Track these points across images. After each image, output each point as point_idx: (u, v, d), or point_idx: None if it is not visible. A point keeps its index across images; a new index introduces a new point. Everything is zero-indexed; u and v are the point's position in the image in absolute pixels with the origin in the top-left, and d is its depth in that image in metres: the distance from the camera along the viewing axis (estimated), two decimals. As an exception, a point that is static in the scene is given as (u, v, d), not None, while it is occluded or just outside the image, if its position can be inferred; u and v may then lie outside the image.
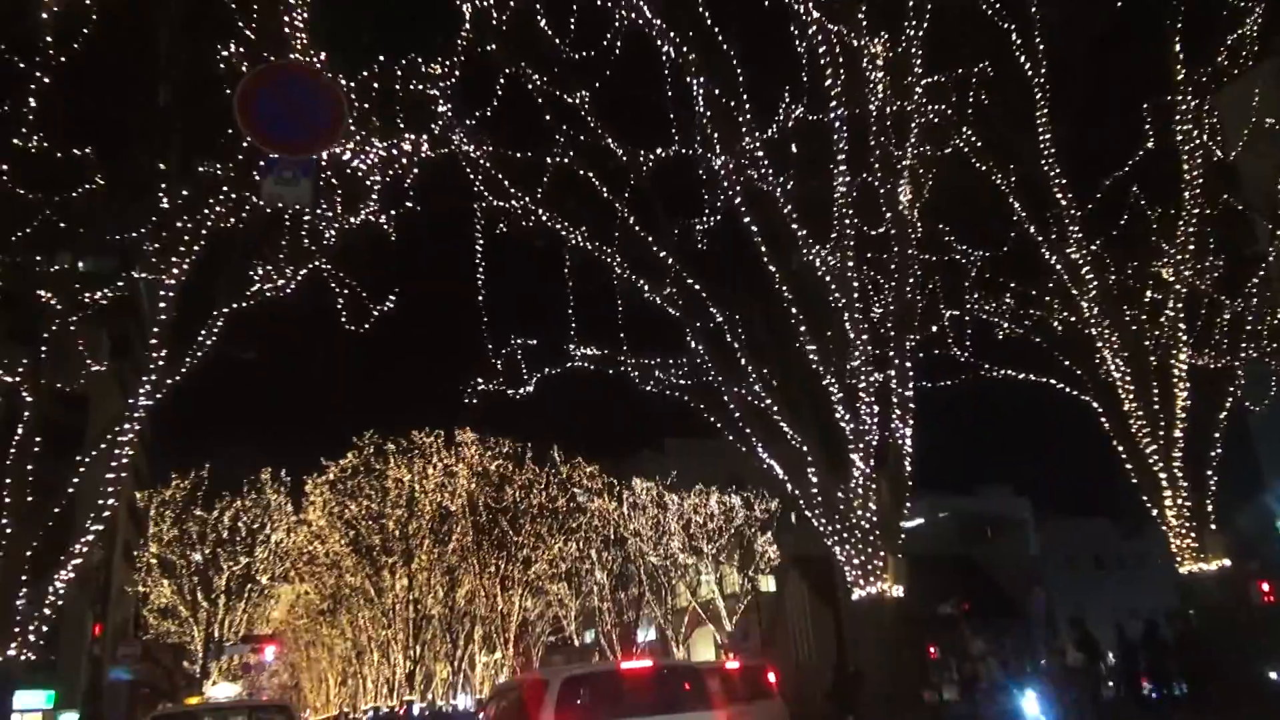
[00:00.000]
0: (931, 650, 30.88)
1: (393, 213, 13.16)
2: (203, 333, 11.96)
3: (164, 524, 40.63)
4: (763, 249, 12.53)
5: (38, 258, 12.15)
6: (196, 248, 11.20)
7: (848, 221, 12.31)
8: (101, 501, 10.63)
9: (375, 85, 13.38)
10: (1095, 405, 15.01)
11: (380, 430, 44.73)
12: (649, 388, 16.36)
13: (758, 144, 12.53)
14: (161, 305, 10.92)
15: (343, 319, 15.33)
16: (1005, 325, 16.02)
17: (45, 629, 10.23)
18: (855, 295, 12.25)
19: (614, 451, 53.56)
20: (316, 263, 14.29)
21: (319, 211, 14.41)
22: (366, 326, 15.70)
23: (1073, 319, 14.85)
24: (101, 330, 24.89)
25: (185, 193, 11.14)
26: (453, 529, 44.37)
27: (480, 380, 15.16)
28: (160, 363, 10.92)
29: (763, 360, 13.17)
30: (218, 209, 11.29)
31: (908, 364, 12.57)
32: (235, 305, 12.76)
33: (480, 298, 16.26)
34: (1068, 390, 15.60)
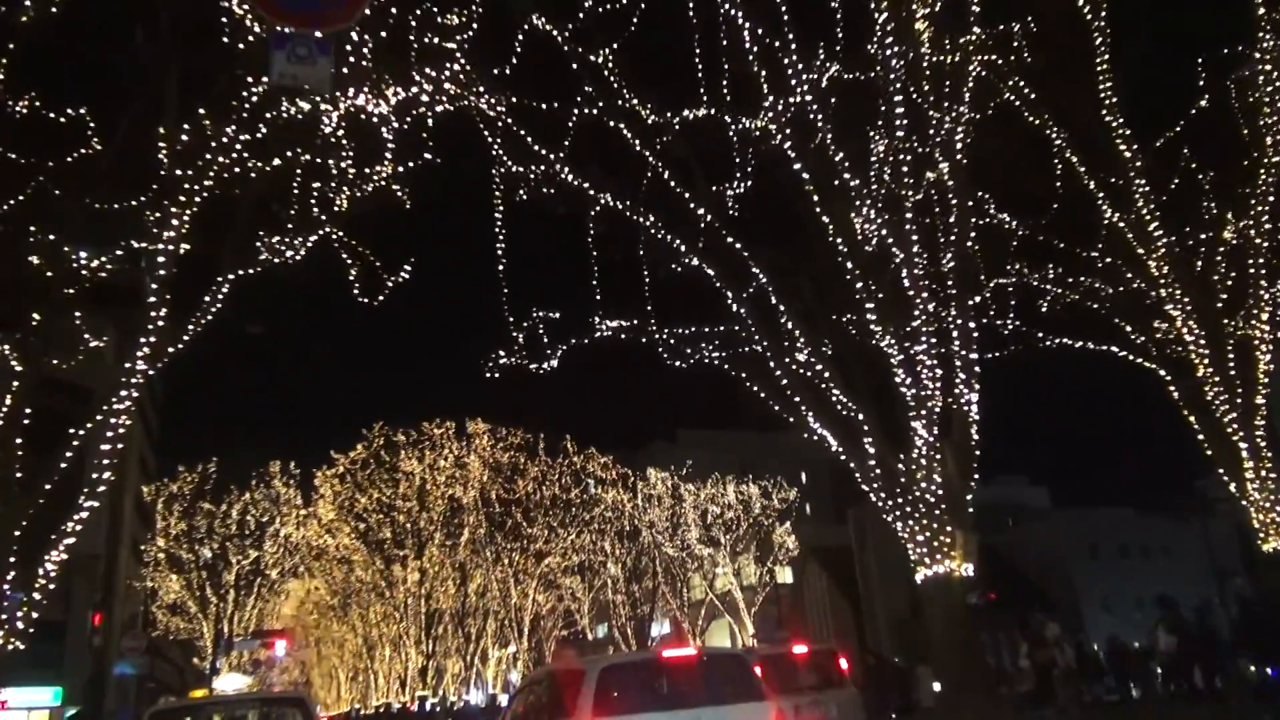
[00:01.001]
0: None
1: (410, 165, 12.21)
2: (206, 298, 11.07)
3: (171, 518, 39.89)
4: (815, 200, 11.49)
5: (32, 229, 11.30)
6: (197, 200, 10.26)
7: (905, 170, 11.31)
8: (97, 475, 9.72)
9: (389, 36, 12.46)
10: (1162, 373, 14.01)
11: (390, 421, 43.96)
12: (678, 363, 15.42)
13: (808, 92, 11.51)
14: (160, 260, 9.98)
15: (355, 290, 14.46)
16: (1057, 291, 15.00)
17: (35, 615, 9.37)
18: (914, 251, 11.25)
19: (626, 443, 52.72)
20: (326, 229, 13.39)
21: (330, 170, 13.54)
22: (380, 299, 14.83)
23: (1137, 281, 13.83)
24: (107, 323, 24.00)
25: (185, 137, 10.21)
26: (464, 521, 43.57)
27: (501, 353, 14.25)
28: (160, 322, 9.99)
29: (811, 324, 12.19)
30: (220, 160, 10.36)
31: (970, 324, 11.59)
32: (241, 272, 11.88)
33: (500, 268, 15.34)
34: (1130, 358, 14.59)
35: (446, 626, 46.83)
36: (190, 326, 10.81)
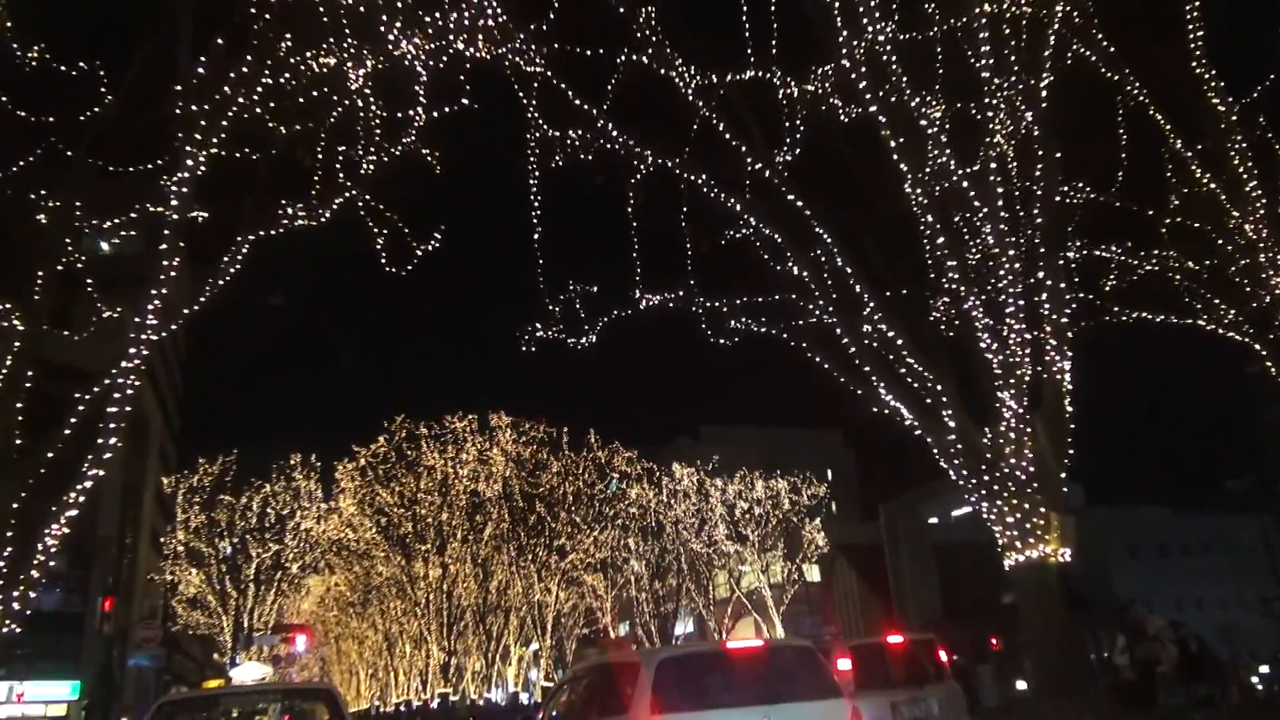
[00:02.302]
0: (994, 641, 28.54)
1: (442, 115, 11.32)
2: (225, 259, 10.23)
3: (191, 510, 39.41)
4: (894, 147, 10.43)
5: (42, 192, 10.52)
6: (215, 140, 9.40)
7: (992, 114, 10.27)
8: (102, 441, 8.86)
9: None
10: (1257, 347, 12.88)
11: (411, 414, 43.29)
12: (722, 340, 14.47)
13: (881, 32, 10.47)
14: (174, 204, 9.11)
15: (382, 259, 13.61)
16: (1129, 263, 13.88)
17: (34, 595, 8.56)
18: (999, 205, 10.21)
19: (650, 440, 51.89)
20: (352, 191, 12.53)
21: (356, 129, 12.70)
22: (408, 268, 13.97)
23: (1229, 249, 12.69)
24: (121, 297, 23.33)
25: (201, 70, 9.35)
26: (487, 516, 42.82)
27: (537, 325, 13.35)
28: (173, 273, 9.13)
29: (881, 289, 11.18)
30: (239, 100, 9.50)
31: (1061, 284, 10.53)
32: (262, 233, 11.04)
33: (535, 237, 14.43)
34: (1218, 331, 13.45)
35: (468, 623, 46.13)
36: (207, 288, 9.96)
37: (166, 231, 9.06)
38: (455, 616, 44.68)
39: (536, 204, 14.52)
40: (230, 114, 9.48)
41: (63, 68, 10.38)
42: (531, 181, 14.64)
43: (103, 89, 10.31)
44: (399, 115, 12.93)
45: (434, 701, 45.40)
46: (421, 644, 48.08)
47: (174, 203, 9.06)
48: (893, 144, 10.33)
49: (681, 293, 13.33)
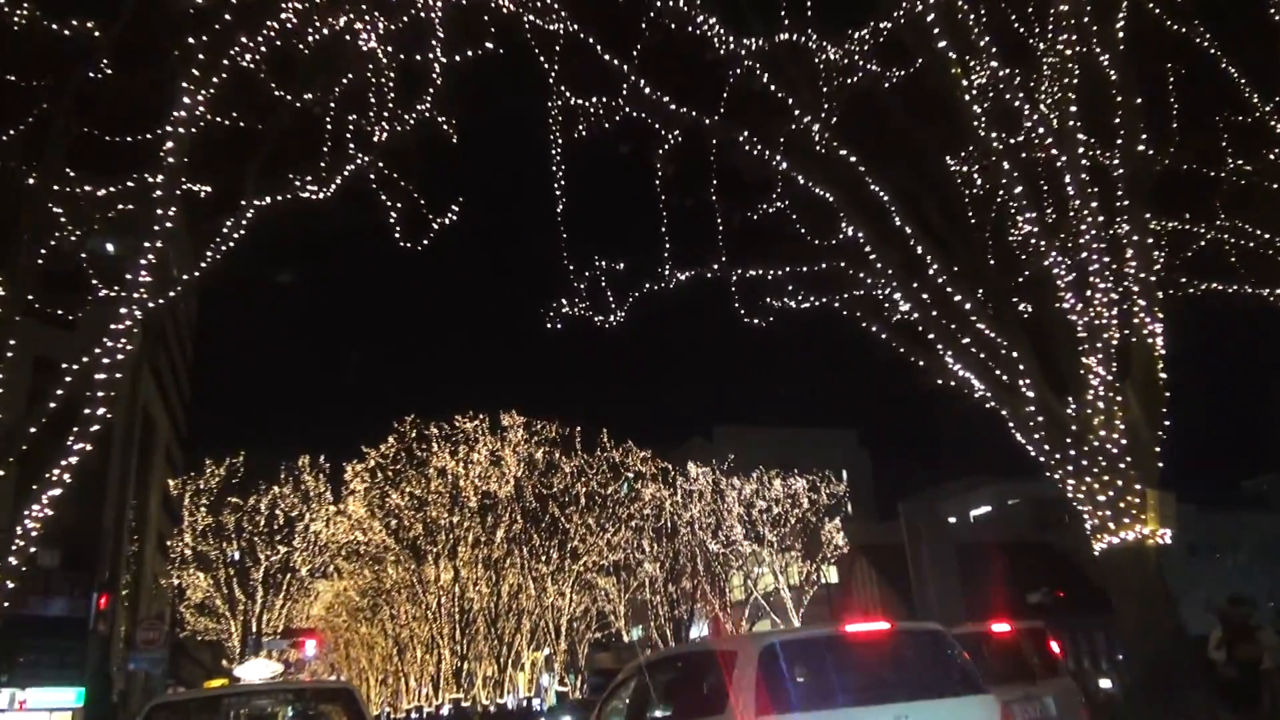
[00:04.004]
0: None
1: (457, 75, 10.49)
2: (228, 224, 9.42)
3: (199, 514, 38.73)
4: (964, 85, 9.52)
5: (34, 164, 9.76)
6: (214, 82, 8.57)
7: (1069, 53, 9.38)
8: (90, 411, 8.01)
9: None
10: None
11: (421, 412, 42.59)
12: (756, 320, 13.63)
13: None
14: (169, 146, 8.28)
15: (396, 234, 12.80)
16: (1199, 232, 12.95)
17: (25, 570, 7.74)
18: (1079, 151, 9.31)
19: (662, 441, 50.96)
20: (363, 159, 11.74)
21: (368, 96, 11.90)
22: (423, 244, 13.17)
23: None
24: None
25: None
26: (499, 518, 42.03)
27: (564, 301, 12.53)
28: (169, 224, 8.30)
29: (946, 251, 10.28)
30: (241, 38, 8.70)
31: (1149, 239, 9.63)
32: (268, 199, 10.25)
33: (558, 210, 13.62)
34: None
35: (479, 628, 45.32)
36: (209, 254, 9.16)
37: (161, 177, 8.23)
38: (468, 620, 43.89)
39: (560, 175, 13.75)
40: (233, 52, 8.66)
41: (53, 26, 9.61)
42: (554, 152, 13.89)
43: (92, 38, 9.55)
44: (414, 79, 12.18)
45: (445, 708, 44.57)
46: (433, 648, 47.25)
47: (169, 145, 8.23)
48: (967, 95, 9.39)
49: (716, 267, 12.48)
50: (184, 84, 8.26)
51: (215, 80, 8.47)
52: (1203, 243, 13.40)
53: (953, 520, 49.12)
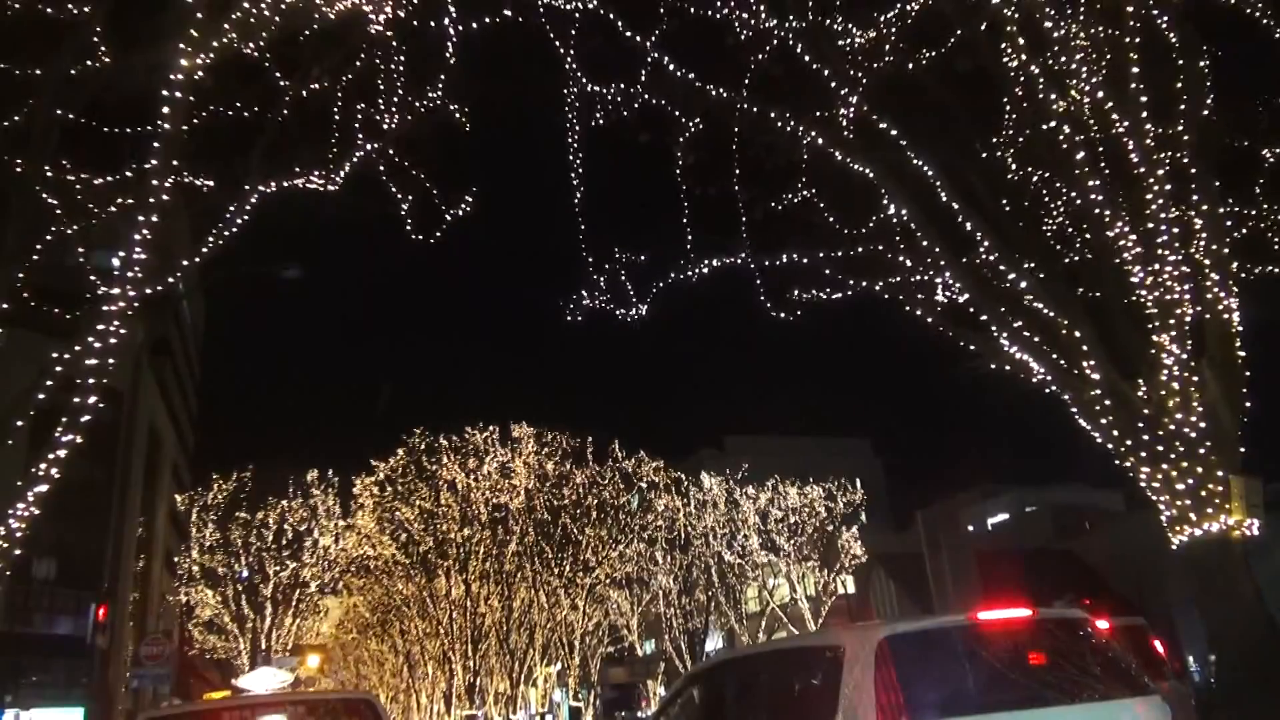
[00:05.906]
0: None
1: (469, 52, 9.97)
2: (231, 209, 8.88)
3: (206, 529, 38.19)
4: (1020, 61, 8.88)
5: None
6: (216, 43, 8.02)
7: (1131, 10, 8.76)
8: (80, 401, 7.40)
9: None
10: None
11: (430, 424, 42.03)
12: (782, 314, 13.04)
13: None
14: (165, 110, 7.72)
15: (407, 225, 12.27)
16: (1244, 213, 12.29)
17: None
18: (1143, 116, 8.68)
19: (673, 452, 50.27)
20: (371, 146, 11.23)
21: (377, 82, 11.39)
22: (435, 236, 12.63)
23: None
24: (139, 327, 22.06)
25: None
26: (511, 531, 41.36)
27: (583, 294, 11.97)
28: (164, 196, 7.73)
29: (997, 228, 9.64)
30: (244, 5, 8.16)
31: (1219, 208, 9.00)
32: (273, 185, 9.73)
33: (576, 198, 13.08)
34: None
35: (490, 643, 44.59)
36: (211, 239, 8.62)
37: (157, 145, 7.67)
38: (479, 635, 43.17)
39: (577, 164, 13.22)
40: (235, 17, 8.12)
41: (49, 10, 9.13)
42: (570, 140, 13.38)
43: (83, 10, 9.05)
44: (425, 64, 11.68)
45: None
46: (444, 664, 46.51)
47: (165, 110, 7.69)
48: (1019, 58, 8.75)
49: (742, 255, 11.89)
50: (180, 45, 7.73)
51: (214, 45, 7.93)
52: (1245, 228, 12.77)
53: (971, 528, 48.31)
